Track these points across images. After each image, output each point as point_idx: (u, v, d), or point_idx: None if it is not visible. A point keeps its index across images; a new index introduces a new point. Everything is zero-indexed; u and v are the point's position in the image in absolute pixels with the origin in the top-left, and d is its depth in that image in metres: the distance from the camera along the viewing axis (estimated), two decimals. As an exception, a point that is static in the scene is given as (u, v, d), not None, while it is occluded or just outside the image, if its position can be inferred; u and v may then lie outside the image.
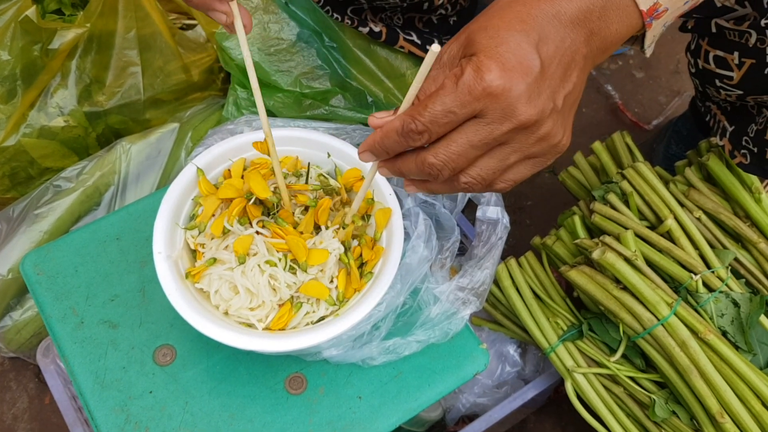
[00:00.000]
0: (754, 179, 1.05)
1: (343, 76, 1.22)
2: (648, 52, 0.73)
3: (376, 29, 1.17)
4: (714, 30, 0.94)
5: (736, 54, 0.93)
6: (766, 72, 0.90)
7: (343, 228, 0.83)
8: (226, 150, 0.86)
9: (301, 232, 0.82)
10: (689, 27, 0.98)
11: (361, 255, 0.84)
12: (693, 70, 1.05)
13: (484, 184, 0.65)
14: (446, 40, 1.19)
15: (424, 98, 0.61)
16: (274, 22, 1.21)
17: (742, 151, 1.01)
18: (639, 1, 0.64)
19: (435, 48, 0.60)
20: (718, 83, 1.00)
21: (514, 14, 0.61)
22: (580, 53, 0.63)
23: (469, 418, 1.20)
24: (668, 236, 1.02)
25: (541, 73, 0.60)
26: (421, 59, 1.22)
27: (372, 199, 0.86)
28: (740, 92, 0.97)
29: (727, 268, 1.01)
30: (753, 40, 0.88)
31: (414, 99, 0.64)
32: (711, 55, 0.97)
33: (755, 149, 0.99)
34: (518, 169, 0.65)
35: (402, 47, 1.20)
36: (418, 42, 1.20)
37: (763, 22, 0.85)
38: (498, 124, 0.60)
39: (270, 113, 1.26)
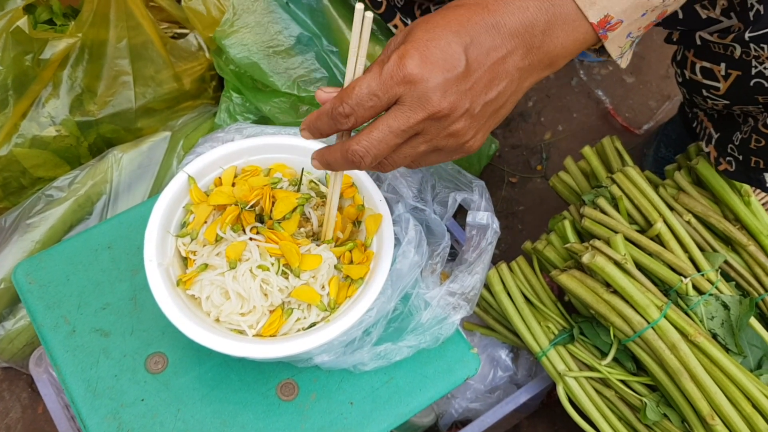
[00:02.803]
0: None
1: (342, 82, 1.23)
2: (623, 63, 0.74)
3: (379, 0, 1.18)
4: (699, 42, 0.94)
5: (722, 65, 0.93)
6: (752, 84, 0.90)
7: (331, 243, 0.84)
8: (217, 158, 0.87)
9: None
10: (674, 39, 0.99)
11: (351, 260, 0.84)
12: (680, 80, 1.06)
13: (394, 167, 0.69)
14: None
15: (352, 83, 0.65)
16: (274, 23, 1.21)
17: (727, 158, 1.02)
18: (588, 15, 0.65)
19: (359, 6, 0.65)
20: (705, 93, 1.00)
21: (456, 16, 0.64)
22: (514, 66, 0.65)
23: (462, 423, 1.20)
24: (658, 240, 1.03)
25: (464, 73, 0.63)
26: None
27: (362, 205, 0.87)
28: (727, 102, 0.97)
29: (717, 270, 1.01)
30: (738, 52, 0.88)
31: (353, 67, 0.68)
32: (698, 66, 0.98)
33: (740, 157, 0.99)
34: (427, 157, 0.69)
35: (396, 26, 1.20)
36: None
37: (747, 35, 0.85)
38: (413, 112, 0.63)
39: (267, 120, 1.26)
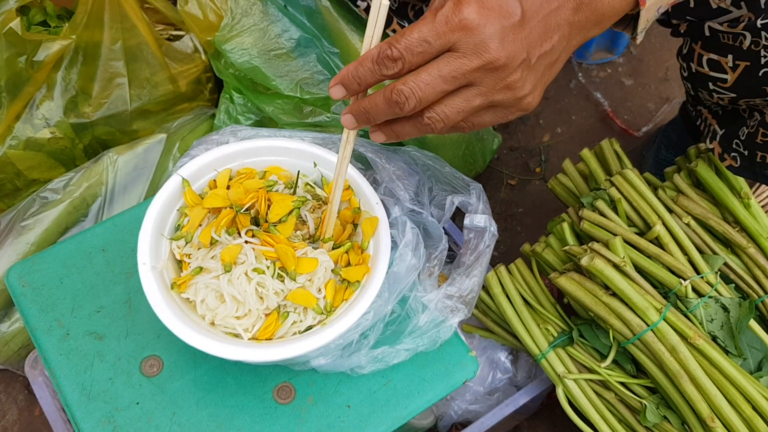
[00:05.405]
0: (743, 184, 1.05)
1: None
2: (639, 39, 0.73)
3: None
4: (707, 33, 0.94)
5: (730, 57, 0.92)
6: (760, 74, 0.90)
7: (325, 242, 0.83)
8: (212, 160, 0.86)
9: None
10: (681, 31, 0.98)
11: (349, 263, 0.84)
12: (685, 74, 1.05)
13: (447, 123, 0.65)
14: None
15: (403, 29, 0.63)
16: (273, 26, 1.21)
17: (732, 154, 1.01)
18: None
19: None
20: (711, 86, 0.99)
21: None
22: (565, 19, 0.64)
23: (462, 425, 1.19)
24: (657, 242, 1.02)
25: (520, 22, 0.61)
26: None
27: (359, 208, 0.86)
28: (733, 95, 0.97)
29: (716, 273, 1.01)
30: (747, 42, 0.88)
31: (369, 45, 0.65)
32: (704, 58, 0.97)
33: (746, 152, 0.99)
34: (481, 114, 0.66)
35: (394, 30, 1.20)
36: None
37: (759, 23, 0.85)
38: (468, 60, 0.61)
39: (270, 120, 1.25)
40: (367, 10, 1.18)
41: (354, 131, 0.74)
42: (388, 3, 0.64)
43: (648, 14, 0.70)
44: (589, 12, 0.65)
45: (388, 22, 1.19)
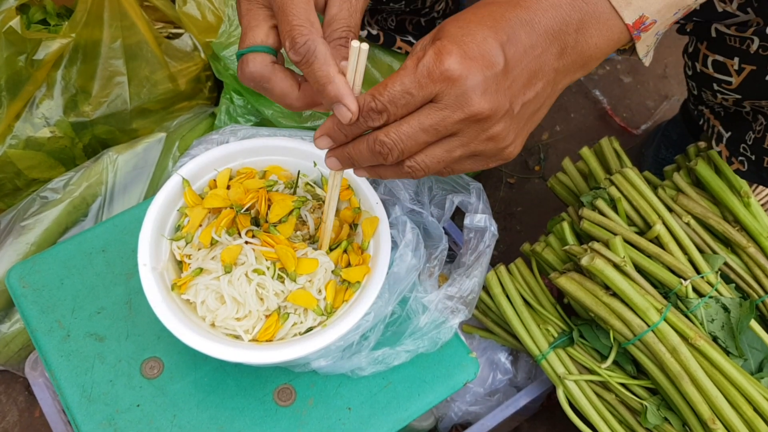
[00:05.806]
0: (742, 183, 1.05)
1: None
2: (647, 62, 0.72)
3: (374, 32, 1.17)
4: (714, 35, 0.93)
5: (736, 60, 0.92)
6: (767, 78, 0.89)
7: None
8: (212, 160, 0.86)
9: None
10: (688, 30, 0.98)
11: (349, 263, 0.83)
12: (690, 73, 1.04)
13: (427, 172, 0.65)
14: None
15: (385, 79, 0.62)
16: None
17: (740, 158, 1.01)
18: (624, 15, 0.63)
19: (354, 44, 0.62)
20: (715, 87, 0.99)
21: (488, 12, 0.61)
22: (549, 65, 0.63)
23: (462, 426, 1.19)
24: (657, 242, 1.02)
25: (504, 71, 0.60)
26: None
27: (359, 208, 0.86)
28: (738, 97, 0.96)
29: (716, 273, 1.00)
30: (755, 46, 0.87)
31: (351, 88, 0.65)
32: (710, 59, 0.96)
33: (753, 157, 0.98)
34: (462, 162, 0.65)
35: (400, 48, 1.19)
36: (414, 42, 1.20)
37: None
38: (450, 111, 0.60)
39: (269, 123, 1.25)
40: (371, 36, 1.17)
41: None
42: (367, 47, 0.63)
43: (647, 41, 0.68)
44: (575, 56, 0.64)
45: (392, 42, 1.19)
